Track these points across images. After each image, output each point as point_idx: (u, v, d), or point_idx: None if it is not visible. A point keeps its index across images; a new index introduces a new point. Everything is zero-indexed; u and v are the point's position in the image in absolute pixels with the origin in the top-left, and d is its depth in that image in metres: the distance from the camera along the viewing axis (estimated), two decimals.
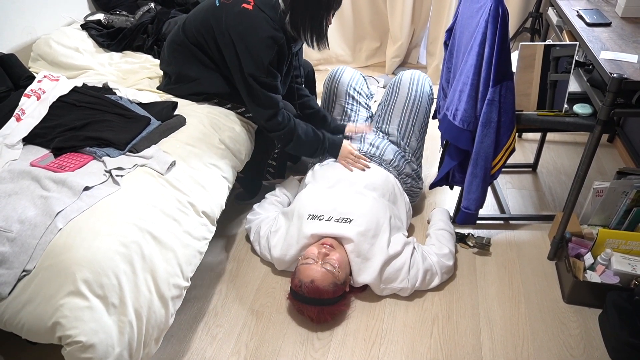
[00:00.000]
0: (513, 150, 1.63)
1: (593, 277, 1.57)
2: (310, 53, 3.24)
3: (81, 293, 1.12)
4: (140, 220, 1.28)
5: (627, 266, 1.56)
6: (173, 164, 1.47)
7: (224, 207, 1.63)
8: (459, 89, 1.58)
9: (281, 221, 1.76)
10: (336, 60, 3.32)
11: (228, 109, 1.82)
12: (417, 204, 2.07)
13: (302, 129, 1.78)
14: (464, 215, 1.78)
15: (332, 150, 1.86)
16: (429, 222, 1.94)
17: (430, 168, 2.31)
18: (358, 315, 1.62)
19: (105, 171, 1.37)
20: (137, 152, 1.47)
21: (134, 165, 1.42)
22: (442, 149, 2.01)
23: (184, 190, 1.45)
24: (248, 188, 2.13)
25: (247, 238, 1.92)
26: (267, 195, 1.99)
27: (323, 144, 1.83)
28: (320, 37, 1.66)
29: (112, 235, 1.21)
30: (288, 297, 1.60)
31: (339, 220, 1.63)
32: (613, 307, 1.47)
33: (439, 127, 1.77)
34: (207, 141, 1.64)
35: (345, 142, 1.87)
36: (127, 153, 1.46)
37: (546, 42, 1.57)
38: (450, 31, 1.85)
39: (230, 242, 1.94)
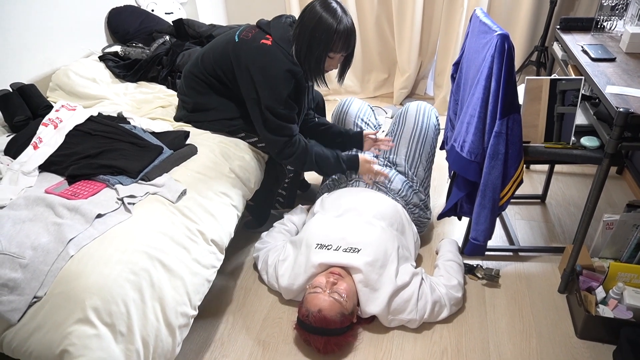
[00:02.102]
0: (521, 182, 1.63)
1: (605, 311, 1.54)
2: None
3: (90, 321, 1.12)
4: (151, 247, 1.29)
5: None
6: (184, 192, 1.49)
7: (232, 236, 1.64)
8: (466, 121, 1.61)
9: (289, 250, 1.76)
10: (345, 91, 3.38)
11: (241, 138, 1.86)
12: (425, 234, 2.06)
13: (314, 148, 1.80)
14: (473, 247, 1.77)
15: (351, 165, 1.87)
16: (437, 253, 1.93)
17: (438, 198, 2.31)
18: (365, 346, 1.59)
19: (118, 199, 1.39)
20: (149, 180, 1.49)
21: (146, 193, 1.44)
22: (449, 180, 2.02)
23: (194, 218, 1.47)
24: (257, 216, 2.15)
25: (255, 266, 1.92)
26: (275, 224, 2.00)
27: (338, 160, 1.85)
28: (317, 74, 1.69)
29: (123, 262, 1.22)
30: (295, 327, 1.58)
31: (347, 250, 1.63)
32: (628, 343, 1.44)
33: (447, 158, 1.79)
34: (218, 170, 1.67)
35: (361, 156, 1.89)
36: (140, 181, 1.49)
37: (552, 76, 1.60)
38: (457, 64, 1.89)
39: (238, 271, 1.94)
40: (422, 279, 1.66)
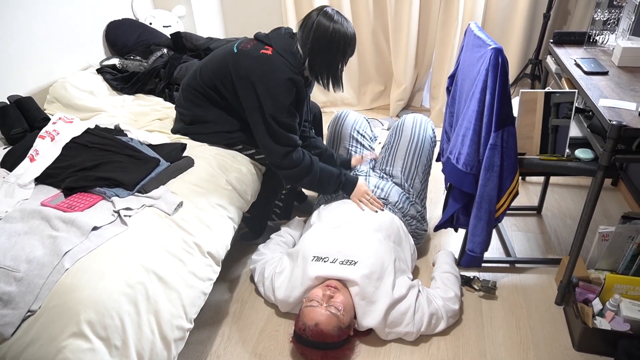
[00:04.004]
0: (516, 194, 1.64)
1: (603, 323, 1.54)
2: (316, 95, 3.33)
3: (84, 335, 1.11)
4: (146, 260, 1.29)
5: (638, 313, 1.53)
6: (180, 204, 1.49)
7: (229, 248, 1.64)
8: (461, 133, 1.62)
9: (286, 262, 1.76)
10: (341, 102, 3.41)
11: (238, 150, 1.87)
12: (421, 246, 2.06)
13: (318, 164, 1.81)
14: (469, 258, 1.77)
15: (348, 187, 1.88)
16: (434, 265, 1.93)
17: (434, 210, 2.32)
18: (362, 359, 1.59)
19: (114, 211, 1.39)
20: (146, 193, 1.49)
21: (142, 206, 1.44)
22: (446, 191, 2.03)
23: (190, 230, 1.46)
24: (254, 228, 2.14)
25: (252, 279, 1.91)
26: (272, 236, 2.00)
27: (339, 179, 1.86)
28: (336, 81, 1.75)
29: (118, 275, 1.21)
30: (291, 340, 1.57)
31: (344, 263, 1.63)
32: (625, 355, 1.44)
33: (443, 170, 1.80)
34: (214, 182, 1.67)
35: (361, 181, 1.89)
36: (136, 193, 1.49)
37: (546, 89, 1.62)
38: (452, 77, 1.91)
39: (235, 283, 1.94)
40: (419, 291, 1.66)
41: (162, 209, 1.45)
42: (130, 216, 1.39)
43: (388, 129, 3.06)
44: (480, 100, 1.53)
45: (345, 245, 1.67)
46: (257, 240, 2.12)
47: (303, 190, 2.36)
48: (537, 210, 2.27)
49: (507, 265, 1.97)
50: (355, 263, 1.62)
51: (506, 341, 1.63)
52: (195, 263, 1.43)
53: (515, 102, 1.62)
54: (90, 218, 1.33)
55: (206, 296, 1.47)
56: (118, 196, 1.45)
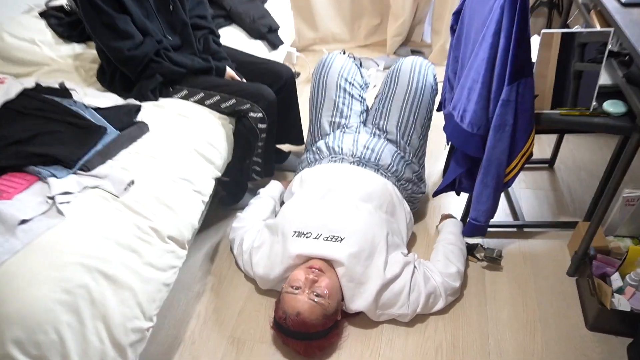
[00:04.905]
0: (530, 155, 1.40)
1: (622, 302, 1.37)
2: (303, 31, 2.97)
3: (11, 356, 0.93)
4: (89, 257, 1.08)
5: None
6: (131, 183, 1.26)
7: (197, 226, 1.43)
8: (467, 86, 1.34)
9: (265, 235, 1.56)
10: (332, 39, 3.04)
11: (199, 101, 1.61)
12: (419, 209, 1.85)
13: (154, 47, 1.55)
14: (473, 227, 1.57)
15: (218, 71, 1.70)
16: (437, 228, 1.73)
17: (434, 163, 2.08)
18: (351, 344, 1.43)
19: (48, 197, 1.16)
20: (90, 171, 1.26)
21: (84, 188, 1.21)
22: (447, 147, 1.79)
23: (146, 213, 1.24)
24: (232, 191, 1.93)
25: (232, 249, 1.73)
26: (252, 201, 1.79)
27: (193, 61, 1.64)
28: None
29: (52, 280, 1.01)
30: (272, 326, 1.41)
31: (329, 239, 1.43)
32: None
33: (444, 128, 1.54)
34: (176, 150, 1.42)
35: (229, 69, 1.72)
36: (78, 172, 1.25)
37: (575, 29, 1.31)
38: (458, 14, 1.58)
39: (213, 254, 1.76)
40: (415, 267, 1.47)
41: (109, 190, 1.22)
42: (68, 202, 1.16)
43: (383, 70, 2.73)
44: (491, 45, 1.24)
45: (330, 218, 1.46)
46: (237, 205, 1.92)
47: (280, 147, 2.11)
48: (550, 163, 2.03)
49: (515, 229, 1.77)
50: (341, 239, 1.42)
51: (511, 321, 1.47)
52: (152, 252, 1.22)
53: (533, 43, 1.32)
54: (17, 209, 1.11)
55: (169, 287, 1.28)
56: (55, 176, 1.22)
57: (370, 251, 1.41)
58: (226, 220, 1.89)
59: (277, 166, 2.08)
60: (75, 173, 1.25)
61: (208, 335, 1.49)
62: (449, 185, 1.60)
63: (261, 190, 1.82)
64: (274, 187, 1.86)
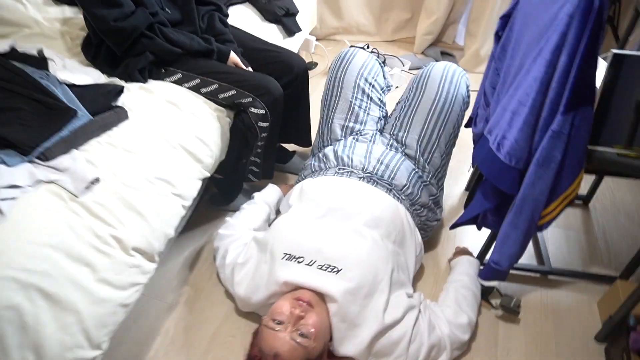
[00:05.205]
0: (574, 198, 1.17)
1: None
2: (326, 19, 2.72)
3: None
4: (25, 271, 0.88)
5: None
6: (95, 181, 1.06)
7: (173, 235, 1.23)
8: (511, 108, 1.11)
9: (252, 251, 1.36)
10: (357, 30, 2.79)
11: (192, 89, 1.39)
12: (430, 237, 1.63)
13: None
14: (491, 271, 1.35)
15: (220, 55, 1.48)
16: (449, 263, 1.52)
17: (453, 185, 1.85)
18: None
19: None
20: (48, 160, 1.05)
21: (36, 182, 1.01)
22: (471, 169, 1.56)
23: (109, 219, 1.04)
24: (225, 191, 1.72)
25: (215, 258, 1.53)
26: (244, 206, 1.58)
27: (192, 41, 1.42)
28: None
29: None
30: (246, 357, 1.21)
31: (323, 268, 1.22)
32: None
33: (475, 154, 1.31)
34: (156, 144, 1.21)
35: (233, 55, 1.49)
36: (34, 160, 1.05)
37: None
38: (506, 18, 1.34)
39: (193, 260, 1.56)
40: (420, 312, 1.26)
41: (67, 188, 1.02)
42: (13, 199, 0.96)
43: (409, 70, 2.49)
44: (549, 63, 1.00)
45: (328, 243, 1.25)
46: (228, 206, 1.71)
47: (285, 146, 1.89)
48: (585, 200, 1.79)
49: (538, 275, 1.54)
50: (337, 271, 1.21)
51: None
52: (111, 266, 1.02)
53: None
54: None
55: (128, 308, 1.08)
56: (5, 163, 1.01)
57: (370, 289, 1.20)
58: (215, 222, 1.69)
59: (278, 166, 1.87)
60: (30, 162, 1.04)
61: (174, 358, 1.30)
62: (470, 219, 1.38)
63: (256, 195, 1.61)
64: (270, 192, 1.65)
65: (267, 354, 1.10)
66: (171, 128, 1.27)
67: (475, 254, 1.51)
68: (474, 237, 1.65)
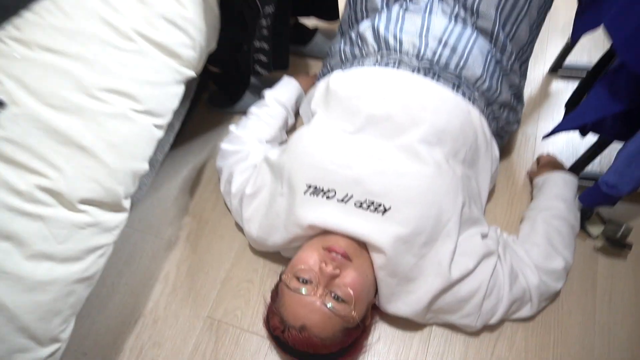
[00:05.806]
0: None
1: None
2: None
3: None
4: None
5: None
6: (2, 106, 0.67)
7: (146, 170, 0.86)
8: None
9: (264, 177, 1.00)
10: None
11: None
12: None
13: None
14: (600, 195, 0.95)
15: None
16: (531, 181, 1.13)
17: (532, 63, 1.35)
18: (382, 352, 0.97)
19: None
20: None
21: None
22: (570, 40, 1.08)
23: (33, 164, 0.68)
24: (226, 88, 1.31)
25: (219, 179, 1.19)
26: (252, 109, 1.18)
27: None
28: None
29: None
30: (267, 334, 0.93)
31: (363, 206, 0.86)
32: None
33: (588, 20, 0.82)
34: (98, 36, 0.78)
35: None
36: None
37: None
38: None
39: (193, 182, 1.24)
40: (499, 258, 0.91)
41: None
42: None
43: None
44: None
45: (370, 171, 0.86)
46: (234, 108, 1.32)
47: (303, 21, 1.40)
48: None
49: None
50: (384, 210, 0.85)
51: (633, 345, 0.95)
52: (48, 233, 0.69)
53: None
54: None
55: (91, 280, 0.77)
56: None
57: (431, 234, 0.84)
58: (218, 129, 1.32)
59: (296, 50, 1.41)
60: None
61: (177, 311, 1.05)
62: (577, 125, 0.94)
63: (267, 93, 1.20)
64: (287, 89, 1.23)
65: (292, 326, 0.81)
66: (121, 8, 0.81)
67: (567, 165, 1.10)
68: (562, 138, 1.22)
